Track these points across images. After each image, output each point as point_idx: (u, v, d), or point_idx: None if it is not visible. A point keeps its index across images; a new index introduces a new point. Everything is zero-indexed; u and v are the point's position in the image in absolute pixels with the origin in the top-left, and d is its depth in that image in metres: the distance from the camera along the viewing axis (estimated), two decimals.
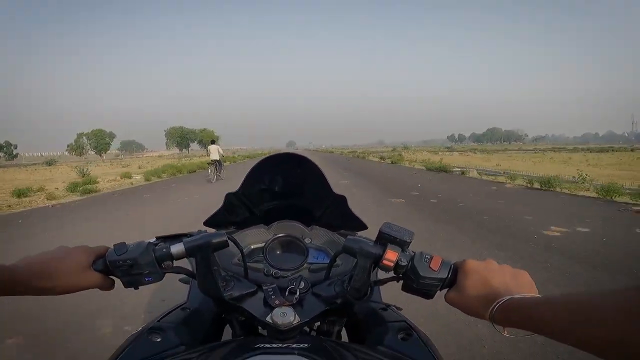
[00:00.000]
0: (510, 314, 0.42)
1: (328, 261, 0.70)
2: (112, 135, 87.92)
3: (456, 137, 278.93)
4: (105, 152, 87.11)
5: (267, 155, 0.85)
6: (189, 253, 0.56)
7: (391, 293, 0.81)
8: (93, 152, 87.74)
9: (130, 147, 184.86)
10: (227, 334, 0.75)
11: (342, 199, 0.84)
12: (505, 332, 0.44)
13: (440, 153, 38.12)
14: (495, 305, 0.43)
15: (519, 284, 0.47)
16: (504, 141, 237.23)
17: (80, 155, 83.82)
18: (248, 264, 0.67)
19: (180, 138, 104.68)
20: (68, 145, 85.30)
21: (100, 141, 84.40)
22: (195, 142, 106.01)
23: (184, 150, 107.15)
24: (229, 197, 0.83)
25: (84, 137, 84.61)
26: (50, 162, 52.49)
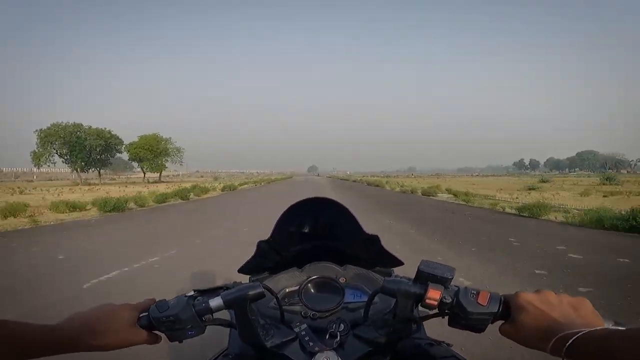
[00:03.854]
0: (576, 347, 0.40)
1: (365, 299, 0.69)
2: None
3: (527, 163, 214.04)
4: None
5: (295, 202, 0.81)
6: (227, 306, 0.58)
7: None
8: None
9: (117, 166, 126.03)
10: None
11: (375, 238, 0.83)
12: None
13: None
14: (557, 339, 0.42)
15: (582, 314, 0.45)
16: (609, 168, 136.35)
17: None
18: (284, 307, 0.69)
19: (73, 146, 43.61)
20: None
21: None
22: (131, 160, 52.61)
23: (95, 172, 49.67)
24: (260, 245, 0.84)
25: None
26: None
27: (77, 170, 46.55)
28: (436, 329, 0.93)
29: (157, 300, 0.59)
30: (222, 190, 24.90)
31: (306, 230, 0.88)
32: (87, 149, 44.99)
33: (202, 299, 0.58)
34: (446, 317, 0.55)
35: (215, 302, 0.57)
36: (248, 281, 0.85)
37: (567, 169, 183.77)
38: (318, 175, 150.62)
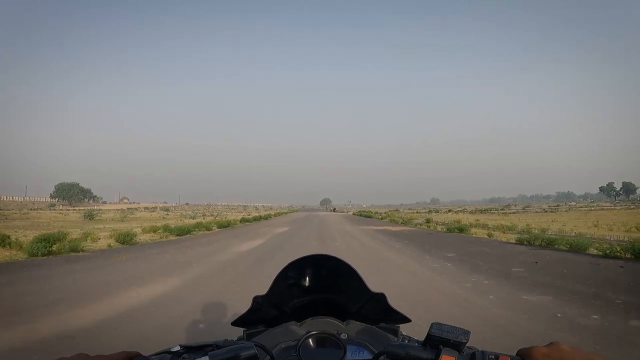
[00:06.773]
0: None
1: (369, 357, 0.66)
2: None
3: (617, 187, 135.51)
4: None
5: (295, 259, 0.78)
6: None
7: None
8: None
9: (71, 195, 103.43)
10: None
11: (381, 297, 0.79)
12: None
13: None
14: None
15: None
16: None
17: None
18: None
19: None
20: None
21: None
22: None
23: None
24: (256, 300, 0.80)
25: None
26: None
27: None
28: None
29: (137, 352, 0.56)
30: None
31: (307, 284, 0.84)
32: None
33: (187, 357, 0.55)
34: None
35: None
36: (242, 334, 0.83)
37: None
38: (334, 210, 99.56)
